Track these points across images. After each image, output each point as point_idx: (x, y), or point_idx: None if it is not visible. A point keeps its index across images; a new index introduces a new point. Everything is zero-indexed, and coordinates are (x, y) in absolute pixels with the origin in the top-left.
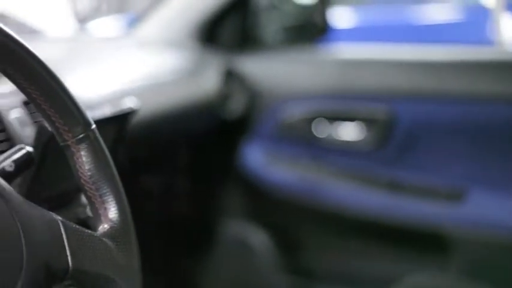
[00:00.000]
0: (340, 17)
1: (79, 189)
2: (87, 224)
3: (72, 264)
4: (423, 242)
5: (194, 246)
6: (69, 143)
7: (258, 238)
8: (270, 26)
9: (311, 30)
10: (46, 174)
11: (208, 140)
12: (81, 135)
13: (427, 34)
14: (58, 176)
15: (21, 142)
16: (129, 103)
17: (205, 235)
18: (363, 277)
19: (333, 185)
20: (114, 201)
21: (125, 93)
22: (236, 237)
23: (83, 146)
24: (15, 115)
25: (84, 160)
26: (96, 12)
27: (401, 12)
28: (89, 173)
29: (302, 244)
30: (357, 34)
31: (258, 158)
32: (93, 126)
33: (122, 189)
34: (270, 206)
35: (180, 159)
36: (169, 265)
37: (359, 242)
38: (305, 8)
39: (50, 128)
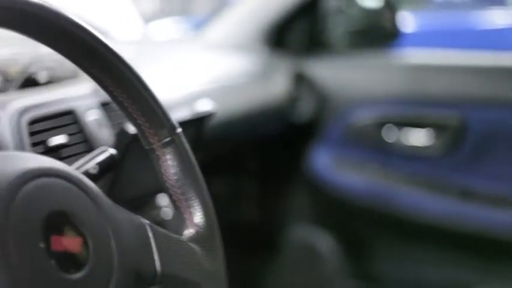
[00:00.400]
0: (408, 22)
1: (154, 192)
2: (163, 227)
3: (160, 269)
4: (494, 252)
5: (260, 249)
6: (154, 146)
7: (324, 243)
8: (339, 30)
9: (380, 34)
10: (124, 177)
11: (276, 144)
12: (167, 139)
13: (495, 40)
14: (135, 179)
15: (98, 144)
16: (206, 106)
17: (272, 238)
18: (430, 285)
19: (401, 191)
20: (199, 206)
21: (197, 96)
22: (302, 241)
23: (168, 149)
24: (93, 117)
25: (169, 164)
26: (158, 14)
27: (468, 17)
28: (174, 177)
29: (369, 250)
30: (425, 39)
31: (326, 162)
32: (179, 130)
33: (207, 194)
34: (337, 211)
35: (248, 162)
36: (235, 269)
37: (427, 250)
38: (371, 12)
39: (130, 131)
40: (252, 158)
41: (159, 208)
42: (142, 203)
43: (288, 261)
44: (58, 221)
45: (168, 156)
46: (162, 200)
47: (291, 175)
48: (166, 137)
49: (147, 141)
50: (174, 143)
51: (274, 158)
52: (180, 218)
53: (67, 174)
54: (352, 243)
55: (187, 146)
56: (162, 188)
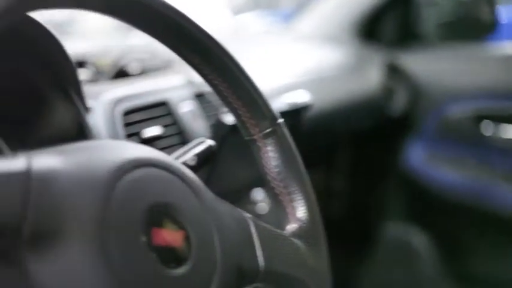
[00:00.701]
0: (504, 14)
1: (250, 185)
2: None
3: (264, 265)
4: None
5: (354, 245)
6: (255, 137)
7: (419, 240)
8: (432, 21)
9: (475, 26)
10: (220, 170)
11: (370, 137)
12: (268, 130)
13: None
14: (231, 171)
15: (193, 135)
16: (304, 97)
17: (365, 235)
18: None
19: (499, 187)
20: (302, 200)
21: (290, 88)
22: (396, 238)
23: (269, 140)
24: (187, 108)
25: (271, 156)
26: (246, 7)
27: None
28: (276, 170)
29: (465, 248)
30: None
31: (421, 157)
32: (280, 120)
33: (310, 188)
34: (432, 207)
35: (342, 155)
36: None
37: None
38: (466, 3)
39: (227, 122)
40: (346, 151)
41: (254, 203)
42: (236, 198)
43: (382, 258)
44: (159, 214)
45: (269, 148)
46: (257, 194)
47: (386, 169)
48: (267, 128)
49: (248, 132)
50: (275, 133)
51: (369, 151)
52: (281, 212)
53: (168, 165)
54: (448, 241)
55: (289, 137)
56: (263, 181)
